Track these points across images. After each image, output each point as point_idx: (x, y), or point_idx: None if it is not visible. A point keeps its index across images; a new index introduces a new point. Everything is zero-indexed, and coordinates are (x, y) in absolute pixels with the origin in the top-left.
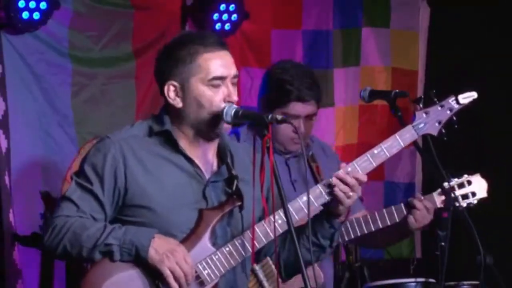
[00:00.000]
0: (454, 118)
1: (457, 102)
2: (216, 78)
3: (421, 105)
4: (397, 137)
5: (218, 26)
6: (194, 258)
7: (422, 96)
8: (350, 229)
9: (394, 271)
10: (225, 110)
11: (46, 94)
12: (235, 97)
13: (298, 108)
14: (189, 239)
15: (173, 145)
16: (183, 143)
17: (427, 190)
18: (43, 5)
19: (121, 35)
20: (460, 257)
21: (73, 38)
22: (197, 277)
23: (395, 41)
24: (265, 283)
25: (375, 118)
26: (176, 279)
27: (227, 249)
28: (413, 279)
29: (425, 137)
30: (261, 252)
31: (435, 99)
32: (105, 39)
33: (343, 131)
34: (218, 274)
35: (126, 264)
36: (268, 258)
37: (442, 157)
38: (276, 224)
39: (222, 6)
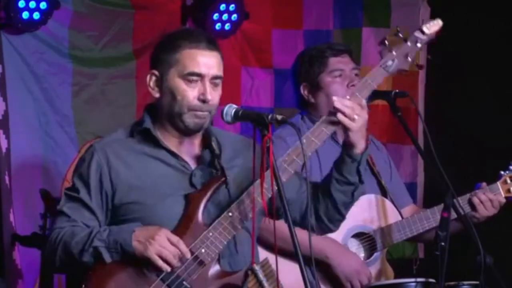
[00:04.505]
0: (423, 50)
1: (423, 33)
2: (192, 74)
3: (386, 43)
4: (369, 80)
5: (218, 26)
6: (190, 240)
7: (385, 37)
8: (406, 228)
9: (396, 271)
10: (225, 110)
11: (46, 94)
12: (209, 96)
13: (338, 62)
14: (182, 223)
15: (155, 141)
16: (166, 138)
17: (429, 190)
18: (43, 5)
19: (121, 35)
20: (460, 257)
21: (73, 38)
22: (196, 257)
23: None
24: (265, 283)
25: (376, 118)
26: (165, 260)
27: (220, 225)
28: (413, 279)
29: (426, 138)
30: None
31: (400, 34)
32: (105, 39)
33: None
34: (216, 251)
35: (122, 263)
36: (268, 258)
37: (443, 158)
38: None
39: (222, 6)
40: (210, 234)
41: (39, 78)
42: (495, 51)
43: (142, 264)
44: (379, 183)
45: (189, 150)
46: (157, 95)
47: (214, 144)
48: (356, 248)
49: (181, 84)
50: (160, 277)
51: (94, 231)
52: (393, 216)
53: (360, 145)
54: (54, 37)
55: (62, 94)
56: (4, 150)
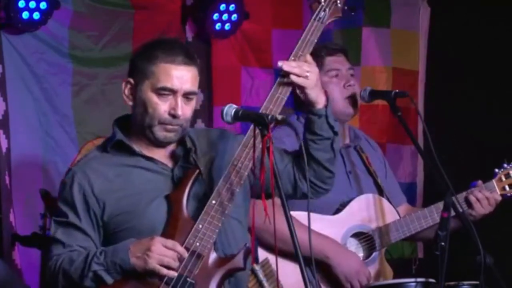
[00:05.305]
0: None
1: None
2: (164, 88)
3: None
4: (308, 36)
5: (218, 26)
6: (182, 238)
7: None
8: (405, 227)
9: (395, 271)
10: (225, 110)
11: (46, 94)
12: (179, 112)
13: (334, 62)
14: (169, 223)
15: (130, 151)
16: (140, 146)
17: (429, 190)
18: (43, 5)
19: (121, 35)
20: (460, 257)
21: (73, 38)
22: (193, 252)
23: (395, 41)
24: (265, 283)
25: (376, 118)
26: (167, 267)
27: (206, 215)
28: (413, 279)
29: (426, 138)
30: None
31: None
32: (105, 39)
33: None
34: (210, 241)
35: (124, 280)
36: (268, 258)
37: (443, 158)
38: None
39: (222, 6)
40: (200, 226)
41: (39, 78)
42: (495, 51)
43: (143, 274)
44: (376, 183)
45: (164, 152)
46: (130, 103)
47: (188, 141)
48: (355, 247)
49: (153, 97)
50: (164, 280)
51: (90, 255)
52: (391, 215)
53: (320, 99)
54: (54, 37)
55: (62, 94)
56: (4, 150)
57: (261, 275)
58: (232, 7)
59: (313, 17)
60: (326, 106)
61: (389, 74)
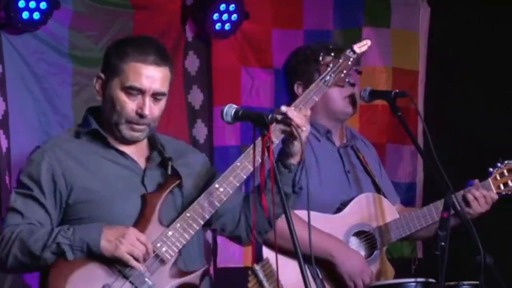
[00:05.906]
0: (354, 68)
1: (353, 52)
2: (132, 87)
3: (321, 60)
4: (311, 93)
5: (218, 26)
6: (148, 239)
7: (320, 54)
8: (405, 225)
9: (396, 271)
10: (225, 110)
11: (46, 94)
12: (146, 112)
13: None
14: (139, 223)
15: (104, 142)
16: (113, 139)
17: (429, 190)
18: (43, 5)
19: (121, 35)
20: (460, 257)
21: (73, 38)
22: (157, 255)
23: (395, 41)
24: (265, 283)
25: (376, 118)
26: (136, 259)
27: (178, 225)
28: (413, 279)
29: (426, 138)
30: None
31: (332, 54)
32: (105, 39)
33: None
34: (176, 250)
35: (83, 259)
36: (268, 258)
37: (443, 158)
38: (219, 193)
39: (222, 6)
40: (170, 233)
41: (39, 78)
42: (495, 51)
43: (103, 260)
44: (373, 182)
45: (137, 150)
46: (100, 98)
47: (159, 146)
48: (356, 246)
49: (121, 95)
50: (124, 273)
51: (56, 229)
52: (390, 213)
53: (298, 155)
54: (54, 37)
55: (62, 94)
56: (4, 150)
57: (261, 275)
58: (232, 7)
59: (320, 78)
60: (299, 164)
61: (389, 74)
